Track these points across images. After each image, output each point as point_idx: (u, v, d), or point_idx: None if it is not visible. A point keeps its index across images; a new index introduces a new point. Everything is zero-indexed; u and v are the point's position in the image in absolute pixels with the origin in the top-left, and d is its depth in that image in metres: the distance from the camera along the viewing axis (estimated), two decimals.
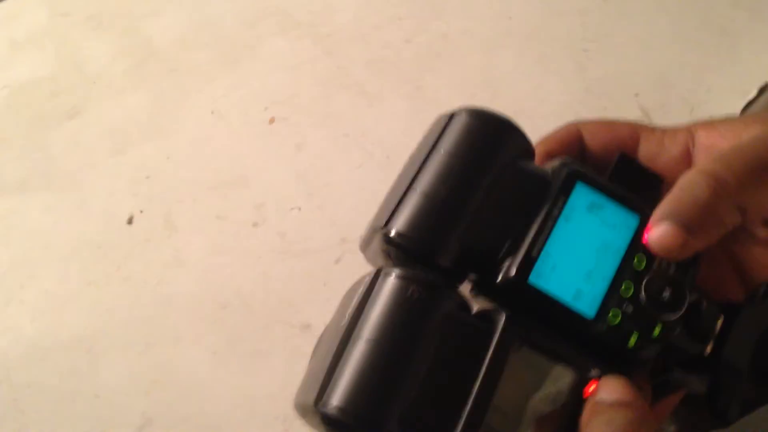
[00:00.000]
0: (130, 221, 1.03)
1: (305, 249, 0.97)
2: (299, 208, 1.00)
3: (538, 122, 1.09)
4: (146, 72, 1.15)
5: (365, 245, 0.32)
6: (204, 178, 1.05)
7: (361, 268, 0.95)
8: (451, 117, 0.32)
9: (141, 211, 1.04)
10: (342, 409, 0.27)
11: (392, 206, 0.31)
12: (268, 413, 0.86)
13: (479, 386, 0.27)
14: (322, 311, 1.00)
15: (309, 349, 0.93)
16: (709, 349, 0.31)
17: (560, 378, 0.28)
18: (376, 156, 1.03)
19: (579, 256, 0.30)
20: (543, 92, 1.04)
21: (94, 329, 0.95)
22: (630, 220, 0.31)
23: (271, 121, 1.08)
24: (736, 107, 0.85)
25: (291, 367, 0.89)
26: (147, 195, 1.05)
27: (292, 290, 0.94)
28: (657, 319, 0.30)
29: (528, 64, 1.05)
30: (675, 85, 1.03)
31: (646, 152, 0.35)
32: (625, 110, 1.00)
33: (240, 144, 1.07)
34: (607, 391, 0.26)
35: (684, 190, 0.29)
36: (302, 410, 0.29)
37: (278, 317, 0.93)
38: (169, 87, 1.13)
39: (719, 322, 0.31)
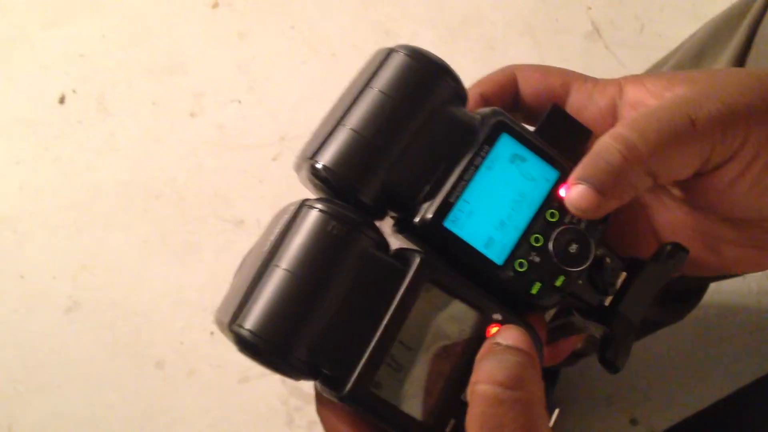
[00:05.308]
0: (62, 101, 0.99)
1: (243, 144, 0.95)
2: (239, 101, 0.98)
3: (488, 28, 1.08)
4: None
5: (298, 169, 0.33)
6: (140, 61, 1.01)
7: None
8: (389, 53, 0.32)
9: (74, 91, 0.99)
10: (253, 333, 0.27)
11: (322, 138, 0.31)
12: (196, 304, 0.87)
13: (387, 322, 0.28)
14: (256, 208, 1.00)
15: (241, 244, 0.93)
16: (608, 301, 0.32)
17: (465, 319, 0.29)
18: (321, 53, 1.00)
19: (495, 205, 0.31)
20: None
21: (21, 209, 0.93)
22: (549, 175, 0.32)
23: (215, 5, 1.03)
24: (685, 29, 0.84)
25: (221, 261, 0.89)
26: (80, 74, 1.00)
27: (227, 185, 0.93)
28: (561, 270, 0.31)
29: None
30: (628, 1, 1.01)
31: (575, 103, 0.34)
32: (576, 23, 0.98)
33: (180, 28, 1.02)
34: (505, 336, 0.28)
35: (598, 155, 0.29)
36: (220, 326, 0.30)
37: (212, 211, 0.92)
38: None
39: (621, 277, 0.32)
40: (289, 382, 0.82)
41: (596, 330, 0.32)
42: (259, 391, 0.83)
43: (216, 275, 0.89)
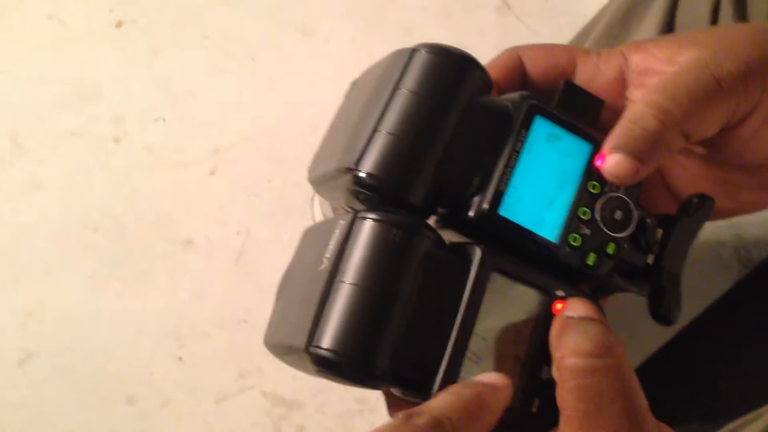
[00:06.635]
0: None
1: (176, 162, 0.93)
2: (163, 119, 0.95)
3: (403, 14, 1.09)
4: None
5: (321, 180, 0.32)
6: (50, 93, 0.95)
7: (239, 178, 0.93)
8: (411, 54, 0.32)
9: None
10: (334, 351, 0.27)
11: (360, 147, 0.30)
12: (158, 331, 0.84)
13: (461, 318, 0.29)
14: (202, 225, 0.98)
15: (194, 265, 0.91)
16: (650, 259, 0.34)
17: (530, 300, 0.31)
18: (240, 59, 0.98)
19: (541, 186, 0.32)
20: None
21: None
22: (583, 149, 0.33)
23: (119, 24, 0.99)
24: None
25: (176, 284, 0.87)
26: None
27: (167, 206, 0.91)
28: (611, 238, 0.32)
29: None
30: None
31: (583, 76, 0.36)
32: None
33: (87, 52, 0.98)
34: (574, 309, 0.29)
35: (634, 122, 0.31)
36: (281, 350, 0.30)
37: (156, 235, 0.90)
38: None
39: (659, 235, 0.34)
40: (269, 392, 0.82)
41: (639, 290, 0.34)
42: (240, 407, 0.82)
43: (173, 299, 0.86)
